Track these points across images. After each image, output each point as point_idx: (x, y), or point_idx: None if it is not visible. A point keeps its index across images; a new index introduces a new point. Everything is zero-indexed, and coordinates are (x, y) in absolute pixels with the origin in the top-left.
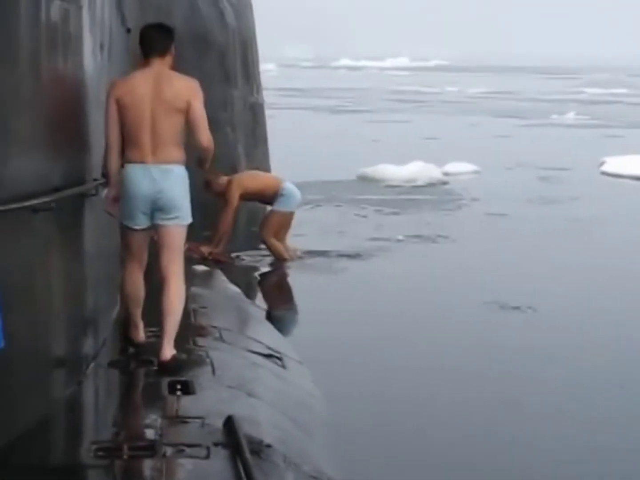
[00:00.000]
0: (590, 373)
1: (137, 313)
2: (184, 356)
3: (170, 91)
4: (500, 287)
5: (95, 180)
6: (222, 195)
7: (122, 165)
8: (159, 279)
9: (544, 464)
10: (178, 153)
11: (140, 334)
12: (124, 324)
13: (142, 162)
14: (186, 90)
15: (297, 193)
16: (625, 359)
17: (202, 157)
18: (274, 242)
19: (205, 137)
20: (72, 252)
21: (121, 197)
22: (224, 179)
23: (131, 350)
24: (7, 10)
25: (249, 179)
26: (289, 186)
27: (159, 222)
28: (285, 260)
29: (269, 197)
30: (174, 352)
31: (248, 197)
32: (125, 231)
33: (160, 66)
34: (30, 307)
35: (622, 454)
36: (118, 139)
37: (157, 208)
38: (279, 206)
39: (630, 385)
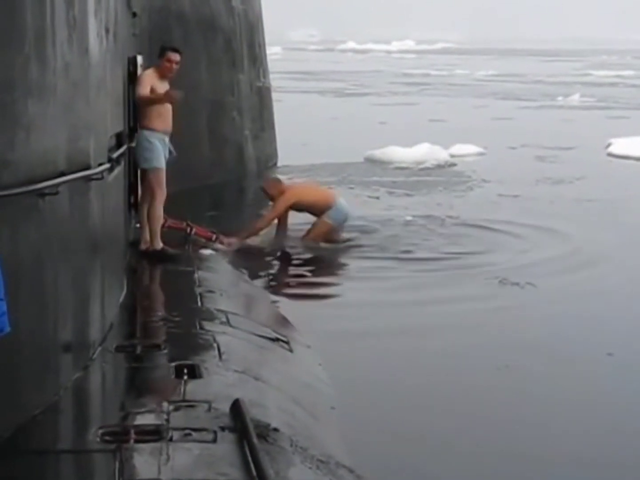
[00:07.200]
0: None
1: (159, 228)
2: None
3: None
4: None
5: (101, 164)
6: (274, 201)
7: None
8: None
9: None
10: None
11: (160, 242)
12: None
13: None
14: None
15: (347, 210)
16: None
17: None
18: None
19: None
20: (79, 236)
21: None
22: (282, 187)
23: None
24: None
25: (304, 192)
26: (342, 202)
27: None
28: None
29: (319, 210)
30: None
31: (299, 207)
32: (159, 172)
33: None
34: (37, 292)
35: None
36: None
37: None
38: (327, 218)
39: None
